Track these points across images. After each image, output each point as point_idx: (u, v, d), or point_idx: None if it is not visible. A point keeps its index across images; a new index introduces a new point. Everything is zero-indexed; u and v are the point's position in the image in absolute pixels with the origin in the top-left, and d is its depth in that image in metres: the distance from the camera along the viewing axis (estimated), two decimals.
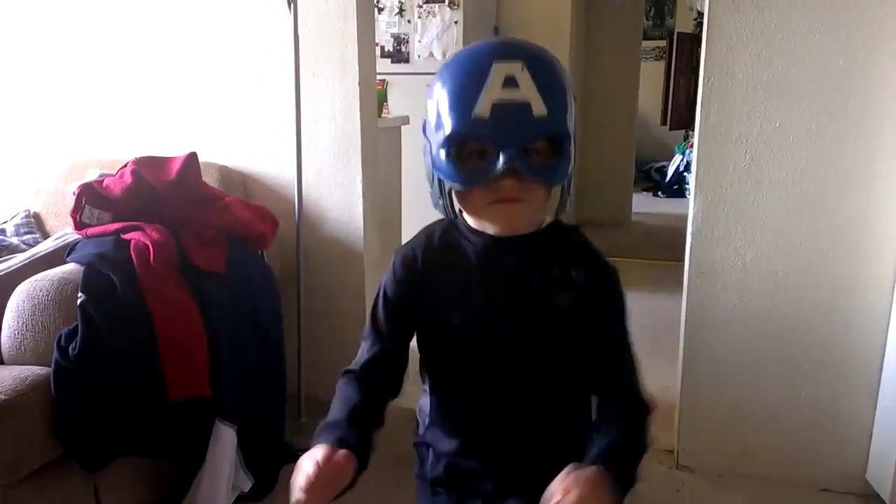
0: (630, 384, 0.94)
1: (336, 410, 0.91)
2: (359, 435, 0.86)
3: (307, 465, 0.79)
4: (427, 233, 1.00)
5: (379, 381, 0.96)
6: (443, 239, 0.97)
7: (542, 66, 0.83)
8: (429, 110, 0.89)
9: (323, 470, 0.78)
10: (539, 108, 0.81)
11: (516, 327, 0.93)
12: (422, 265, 0.96)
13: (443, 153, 0.85)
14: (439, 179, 0.89)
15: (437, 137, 0.86)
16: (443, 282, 0.95)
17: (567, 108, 0.85)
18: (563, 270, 0.93)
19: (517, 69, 0.80)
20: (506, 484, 0.98)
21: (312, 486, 0.77)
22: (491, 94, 0.80)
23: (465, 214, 0.94)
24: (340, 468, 0.80)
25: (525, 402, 0.96)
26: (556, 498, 0.76)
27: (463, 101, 0.82)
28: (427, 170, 0.91)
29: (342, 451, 0.81)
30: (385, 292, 0.98)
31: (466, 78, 0.83)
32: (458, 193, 0.90)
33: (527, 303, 0.92)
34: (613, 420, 0.91)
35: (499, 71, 0.80)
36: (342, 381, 0.96)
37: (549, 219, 0.96)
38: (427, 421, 1.03)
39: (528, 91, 0.80)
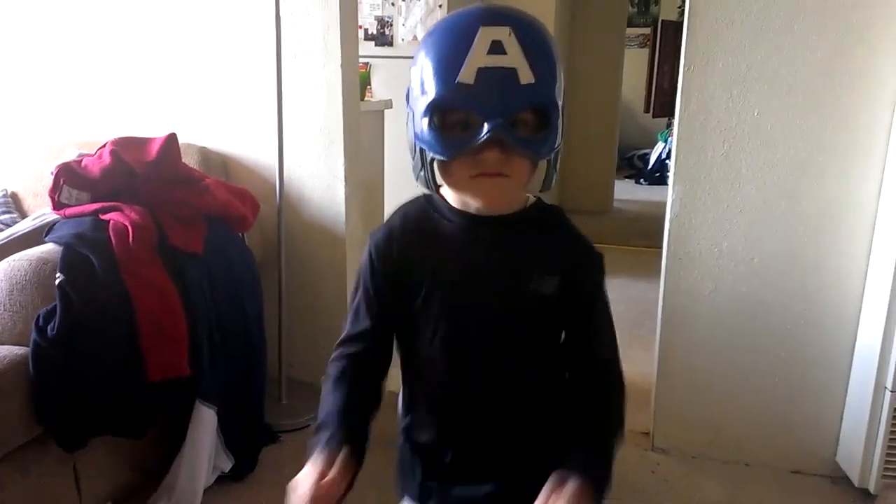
0: (609, 362, 0.93)
1: (327, 404, 0.89)
2: (353, 428, 0.85)
3: (302, 487, 0.77)
4: (402, 213, 0.96)
5: (369, 360, 0.94)
6: (419, 218, 0.93)
7: (530, 33, 0.79)
8: (412, 77, 0.84)
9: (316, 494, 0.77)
10: (526, 75, 0.77)
11: (495, 309, 0.90)
12: (398, 250, 0.93)
13: (425, 121, 0.82)
14: (421, 150, 0.85)
15: (420, 105, 0.82)
16: (420, 263, 0.92)
17: (556, 79, 0.82)
18: (549, 254, 0.91)
19: (504, 34, 0.77)
20: (481, 471, 0.96)
21: None
22: (476, 59, 0.77)
23: (444, 191, 0.91)
24: (331, 489, 0.78)
25: (501, 384, 0.93)
26: None
27: (447, 66, 0.78)
28: (409, 140, 0.87)
29: (336, 466, 0.79)
30: (362, 278, 0.96)
31: (451, 43, 0.79)
32: (440, 165, 0.85)
33: (508, 285, 0.90)
34: (592, 404, 0.90)
35: (485, 36, 0.77)
36: (330, 367, 0.93)
37: (531, 198, 0.93)
38: (402, 412, 1.00)
39: (514, 57, 0.77)
